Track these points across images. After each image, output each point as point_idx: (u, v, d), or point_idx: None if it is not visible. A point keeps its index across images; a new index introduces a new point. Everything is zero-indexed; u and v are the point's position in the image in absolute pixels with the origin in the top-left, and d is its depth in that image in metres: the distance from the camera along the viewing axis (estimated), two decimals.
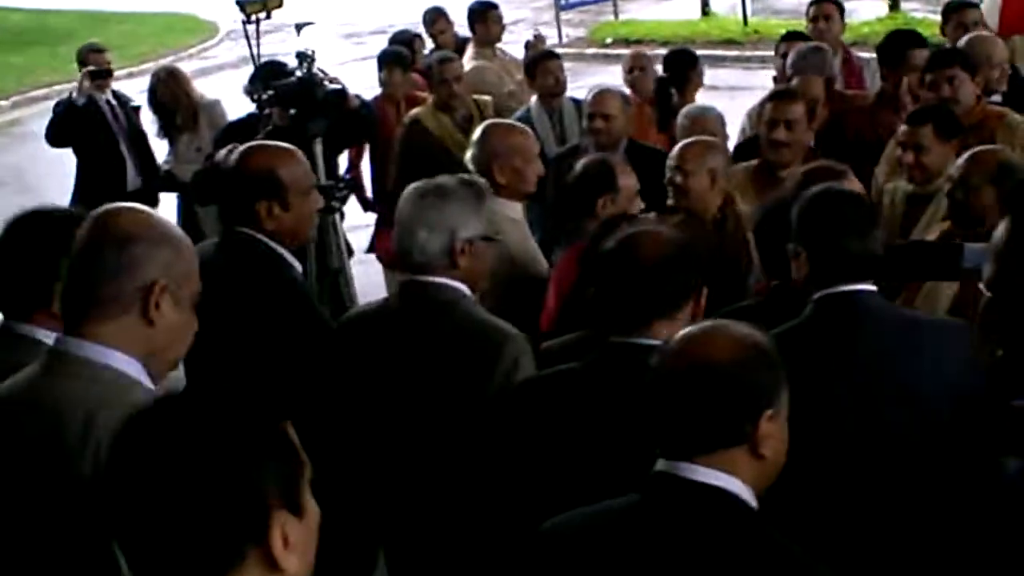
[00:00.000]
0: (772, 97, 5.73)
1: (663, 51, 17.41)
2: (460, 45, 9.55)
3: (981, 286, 2.38)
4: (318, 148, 6.11)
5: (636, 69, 8.02)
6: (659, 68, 8.05)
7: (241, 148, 4.25)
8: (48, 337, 2.94)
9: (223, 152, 5.44)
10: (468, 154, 5.11)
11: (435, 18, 9.78)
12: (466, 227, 3.71)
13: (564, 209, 4.95)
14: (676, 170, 5.07)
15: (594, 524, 2.52)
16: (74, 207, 3.71)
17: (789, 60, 6.85)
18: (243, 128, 6.66)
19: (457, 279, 3.71)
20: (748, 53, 16.94)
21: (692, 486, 2.42)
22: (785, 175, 5.16)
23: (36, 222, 3.22)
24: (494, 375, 3.52)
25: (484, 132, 5.11)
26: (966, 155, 4.54)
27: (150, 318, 2.63)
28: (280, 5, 7.16)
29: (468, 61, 8.90)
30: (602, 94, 6.48)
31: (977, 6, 7.60)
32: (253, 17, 7.22)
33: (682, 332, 2.57)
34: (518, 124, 5.51)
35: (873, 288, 3.31)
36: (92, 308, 2.63)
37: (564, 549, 2.52)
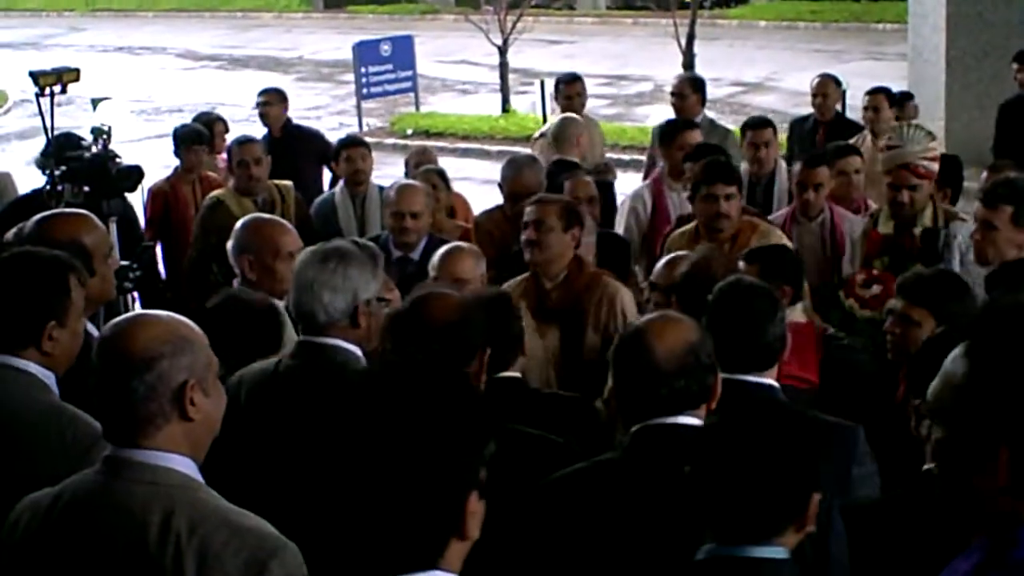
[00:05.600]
0: (533, 202, 5.57)
1: (463, 144, 17.80)
2: (288, 127, 9.51)
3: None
4: (112, 227, 5.91)
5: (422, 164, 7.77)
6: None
7: (37, 218, 4.23)
8: (35, 370, 3.34)
9: (13, 231, 5.21)
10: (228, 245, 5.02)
11: (268, 97, 9.60)
12: (366, 289, 3.83)
13: None
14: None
15: None
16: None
17: None
18: (30, 204, 6.40)
19: (352, 340, 3.81)
20: None
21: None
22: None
23: (27, 264, 3.45)
24: None
25: (241, 224, 5.07)
26: None
27: (189, 416, 2.73)
28: (77, 79, 6.95)
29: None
30: (409, 191, 6.37)
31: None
32: (47, 89, 6.99)
33: None
34: (276, 219, 5.38)
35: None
36: (136, 428, 2.71)
37: None
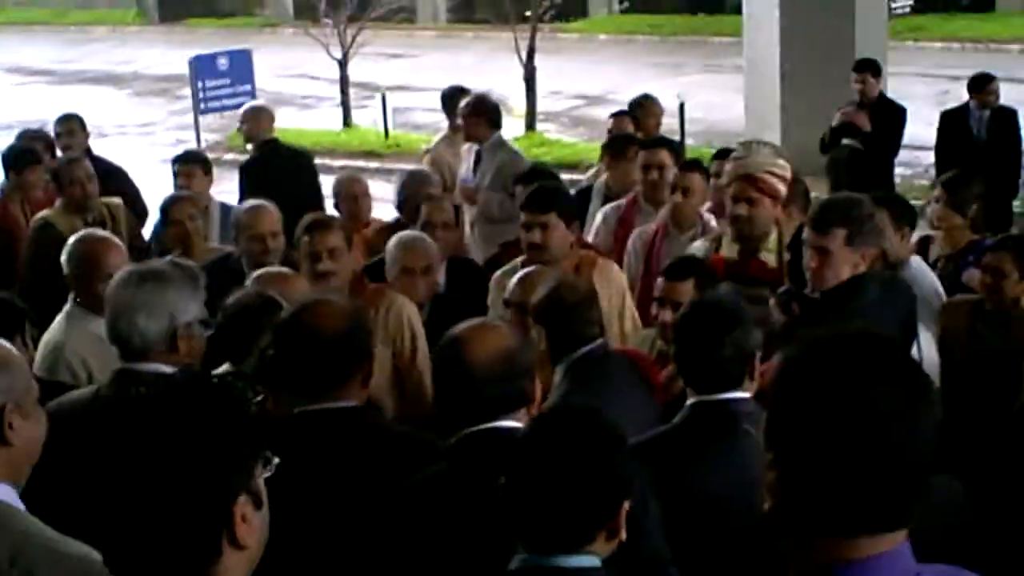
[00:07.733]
0: (308, 229, 5.43)
1: None
2: (90, 157, 8.80)
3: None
4: None
5: None
6: None
7: None
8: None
9: None
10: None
11: (68, 126, 9.23)
12: (185, 311, 3.69)
13: (222, 339, 4.34)
14: None
15: None
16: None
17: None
18: None
19: (173, 365, 3.66)
20: (389, 165, 17.11)
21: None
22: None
23: None
24: None
25: (73, 241, 5.24)
26: None
27: (8, 441, 2.65)
28: None
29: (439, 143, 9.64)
30: (262, 211, 6.13)
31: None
32: None
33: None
34: (106, 236, 5.41)
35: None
36: None
37: None
